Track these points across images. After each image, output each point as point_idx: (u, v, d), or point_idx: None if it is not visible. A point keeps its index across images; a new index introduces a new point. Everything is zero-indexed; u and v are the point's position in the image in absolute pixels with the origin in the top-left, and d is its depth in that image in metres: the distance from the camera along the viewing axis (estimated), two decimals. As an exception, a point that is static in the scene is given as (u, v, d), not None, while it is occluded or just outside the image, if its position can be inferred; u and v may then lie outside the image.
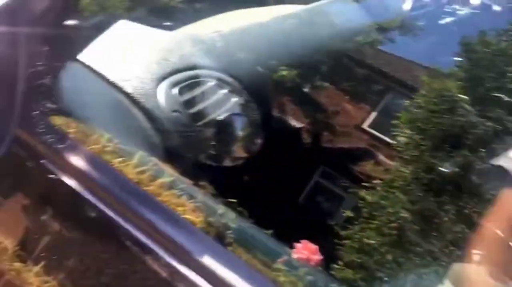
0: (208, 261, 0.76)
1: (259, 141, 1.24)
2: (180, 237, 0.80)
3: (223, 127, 1.18)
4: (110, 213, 0.80)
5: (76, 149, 0.86)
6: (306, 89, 1.87)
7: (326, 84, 1.90)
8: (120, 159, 0.89)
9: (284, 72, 1.54)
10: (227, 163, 1.20)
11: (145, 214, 0.80)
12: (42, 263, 0.86)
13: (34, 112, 0.86)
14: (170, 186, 0.88)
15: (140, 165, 0.89)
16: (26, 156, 0.86)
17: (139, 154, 0.93)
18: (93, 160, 0.85)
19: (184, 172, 1.01)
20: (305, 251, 0.91)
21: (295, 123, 1.90)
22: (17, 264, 0.87)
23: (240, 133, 1.19)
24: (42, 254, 0.87)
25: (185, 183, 0.93)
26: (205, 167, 1.17)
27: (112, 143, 0.92)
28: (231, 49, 1.37)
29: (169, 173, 0.94)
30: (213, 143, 1.17)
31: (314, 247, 0.93)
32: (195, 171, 1.15)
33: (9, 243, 0.89)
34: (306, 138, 1.90)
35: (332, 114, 1.98)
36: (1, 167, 0.85)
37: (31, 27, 0.78)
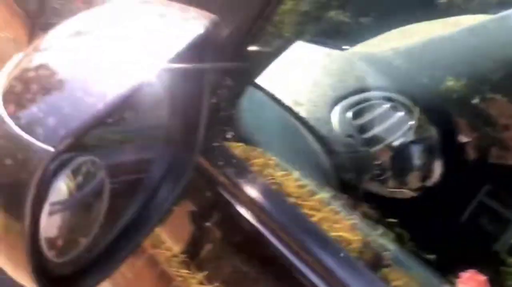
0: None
1: (438, 169, 1.16)
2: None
3: (399, 155, 1.12)
4: (284, 251, 0.79)
5: (255, 181, 0.86)
6: (475, 101, 1.70)
7: (498, 96, 1.72)
8: (282, 172, 0.88)
9: (451, 83, 1.41)
10: (399, 194, 1.14)
11: (317, 253, 0.78)
12: (206, 272, 0.87)
13: (215, 143, 0.88)
14: (329, 202, 0.85)
15: (300, 179, 0.87)
16: (205, 185, 0.89)
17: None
18: (270, 193, 0.85)
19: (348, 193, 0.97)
20: (472, 283, 0.81)
21: (460, 137, 1.72)
22: (184, 271, 0.89)
23: (417, 162, 1.12)
24: (204, 263, 0.89)
25: (344, 200, 0.89)
26: (374, 196, 1.13)
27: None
28: (408, 68, 1.29)
29: (328, 189, 0.91)
30: (386, 172, 1.12)
31: (482, 278, 0.82)
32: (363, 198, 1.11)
33: (178, 249, 0.92)
34: (472, 153, 1.72)
35: (502, 128, 1.78)
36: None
37: (216, 61, 0.80)
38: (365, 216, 0.90)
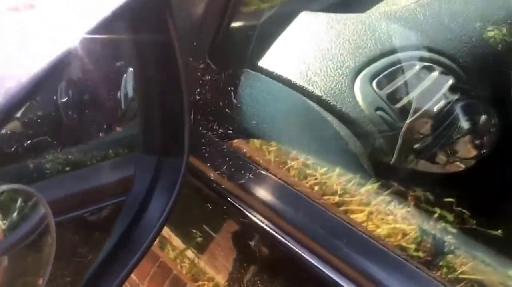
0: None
1: (492, 131, 0.96)
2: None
3: (442, 120, 0.93)
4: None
5: (262, 180, 0.70)
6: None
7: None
8: (323, 170, 0.75)
9: (491, 33, 1.19)
10: (453, 167, 0.95)
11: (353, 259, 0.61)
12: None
13: (208, 140, 0.72)
14: (378, 193, 0.73)
15: (343, 174, 0.76)
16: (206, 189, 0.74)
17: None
18: (286, 191, 0.68)
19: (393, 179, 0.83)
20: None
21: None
22: None
23: (466, 125, 0.93)
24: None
25: (392, 187, 0.77)
26: (423, 176, 0.94)
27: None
28: (437, 19, 1.10)
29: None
30: (431, 145, 0.93)
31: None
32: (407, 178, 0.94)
33: (221, 279, 0.80)
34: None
35: None
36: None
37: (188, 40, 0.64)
38: (418, 200, 0.78)
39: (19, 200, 0.48)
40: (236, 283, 0.77)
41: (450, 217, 0.74)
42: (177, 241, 0.85)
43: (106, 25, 0.45)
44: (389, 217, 0.70)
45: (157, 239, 0.88)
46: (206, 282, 0.82)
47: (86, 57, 0.45)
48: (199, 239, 0.81)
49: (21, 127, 0.82)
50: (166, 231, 0.87)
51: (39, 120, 0.87)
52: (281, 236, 0.67)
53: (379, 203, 0.71)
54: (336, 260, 0.63)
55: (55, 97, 0.92)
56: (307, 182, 0.73)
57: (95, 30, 0.43)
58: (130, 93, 0.90)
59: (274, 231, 0.68)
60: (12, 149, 0.82)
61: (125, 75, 0.91)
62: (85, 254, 0.72)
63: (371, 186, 0.74)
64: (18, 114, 0.77)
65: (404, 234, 0.66)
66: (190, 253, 0.84)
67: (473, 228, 0.76)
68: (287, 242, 0.67)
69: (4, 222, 0.47)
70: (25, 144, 0.84)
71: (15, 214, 0.48)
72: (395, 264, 0.60)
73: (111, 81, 0.92)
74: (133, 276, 0.95)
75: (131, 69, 0.90)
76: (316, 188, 0.72)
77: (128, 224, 0.62)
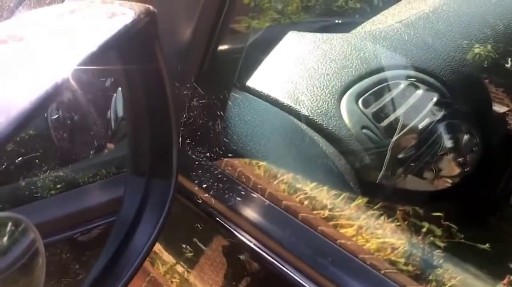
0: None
1: (474, 150, 0.98)
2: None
3: (427, 139, 0.95)
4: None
5: (251, 201, 0.71)
6: (508, 65, 1.49)
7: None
8: (313, 184, 0.76)
9: (477, 50, 1.22)
10: (438, 184, 0.96)
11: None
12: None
13: (197, 162, 0.73)
14: (367, 207, 0.74)
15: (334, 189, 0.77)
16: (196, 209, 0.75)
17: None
18: (273, 211, 0.70)
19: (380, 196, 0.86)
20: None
21: (498, 108, 1.50)
22: None
23: (449, 144, 0.95)
24: None
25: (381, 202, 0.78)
26: (406, 190, 0.96)
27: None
28: (421, 38, 1.12)
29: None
30: (415, 161, 0.95)
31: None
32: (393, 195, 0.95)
33: None
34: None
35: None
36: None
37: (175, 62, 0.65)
38: (406, 215, 0.79)
39: (9, 225, 0.49)
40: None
41: (438, 231, 0.75)
42: (167, 256, 0.86)
43: (96, 56, 0.46)
44: (378, 231, 0.70)
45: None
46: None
47: (77, 85, 0.46)
48: (189, 254, 0.82)
49: (11, 144, 0.83)
50: (156, 246, 0.88)
51: (28, 138, 0.88)
52: (269, 255, 0.68)
53: (368, 217, 0.72)
54: (321, 279, 0.64)
55: (45, 115, 0.94)
56: (297, 196, 0.74)
57: (86, 61, 0.45)
58: (120, 113, 0.92)
59: (262, 250, 0.69)
60: (2, 167, 0.83)
61: (115, 94, 0.92)
62: (75, 273, 0.73)
63: (360, 200, 0.75)
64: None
65: (393, 248, 0.67)
66: (180, 268, 0.85)
67: (461, 242, 0.78)
68: (274, 261, 0.68)
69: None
70: (16, 161, 0.85)
71: (5, 239, 0.49)
72: (381, 282, 0.62)
73: (101, 101, 0.93)
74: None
75: (120, 89, 0.91)
76: (305, 202, 0.73)
77: (118, 245, 0.63)
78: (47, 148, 0.91)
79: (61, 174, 0.80)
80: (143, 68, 0.59)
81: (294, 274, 0.66)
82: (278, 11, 1.54)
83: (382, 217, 0.73)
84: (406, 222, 0.76)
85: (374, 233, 0.70)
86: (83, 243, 0.72)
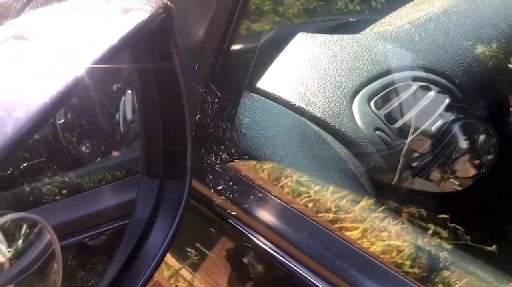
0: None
1: (491, 151, 0.96)
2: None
3: (441, 140, 0.94)
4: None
5: (265, 203, 0.70)
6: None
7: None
8: (317, 187, 0.74)
9: (489, 50, 1.21)
10: (450, 186, 0.95)
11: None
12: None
13: (210, 164, 0.72)
14: (372, 209, 0.72)
15: (338, 191, 0.75)
16: (208, 212, 0.73)
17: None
18: (288, 213, 0.68)
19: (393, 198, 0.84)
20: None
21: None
22: None
23: (465, 145, 0.93)
24: None
25: (387, 204, 0.76)
26: (418, 192, 0.94)
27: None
28: (432, 40, 1.11)
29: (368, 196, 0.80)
30: (429, 163, 0.93)
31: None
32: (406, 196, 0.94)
33: None
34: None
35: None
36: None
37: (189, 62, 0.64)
38: (412, 217, 0.78)
39: (24, 227, 0.47)
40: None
41: (445, 233, 0.74)
42: (172, 261, 0.84)
43: (110, 54, 0.44)
44: (384, 234, 0.69)
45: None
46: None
47: (90, 85, 0.45)
48: (194, 259, 0.80)
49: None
50: None
51: (33, 142, 0.86)
52: (285, 258, 0.67)
53: (373, 219, 0.70)
54: (341, 282, 0.63)
55: (52, 120, 0.92)
56: (301, 199, 0.72)
57: (100, 60, 0.43)
58: (129, 116, 0.90)
59: (278, 253, 0.68)
60: (8, 172, 0.82)
61: (123, 97, 0.91)
62: (87, 279, 0.71)
63: (365, 203, 0.73)
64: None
65: (399, 251, 0.65)
66: (185, 272, 0.83)
67: (467, 244, 0.76)
68: (290, 264, 0.66)
69: (10, 250, 0.46)
70: (22, 166, 0.83)
71: (20, 242, 0.47)
72: (402, 285, 0.60)
73: (109, 104, 0.91)
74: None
75: (129, 91, 0.89)
76: (310, 205, 0.71)
77: (132, 248, 0.62)
78: (55, 151, 0.90)
79: (69, 177, 0.78)
80: (157, 66, 0.57)
81: (311, 277, 0.64)
82: (279, 13, 1.53)
83: (387, 219, 0.70)
84: (411, 224, 0.74)
85: (379, 235, 0.68)
86: (95, 247, 0.70)
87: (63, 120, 0.92)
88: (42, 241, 0.49)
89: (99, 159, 0.89)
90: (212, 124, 0.73)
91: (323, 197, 0.72)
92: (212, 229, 0.74)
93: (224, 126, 0.74)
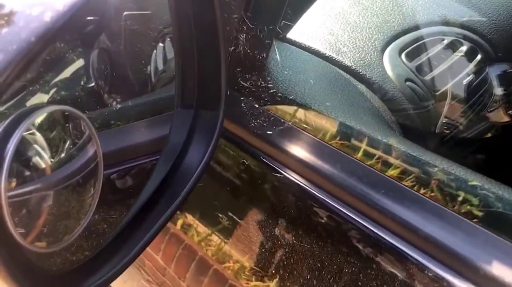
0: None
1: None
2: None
3: (472, 91, 0.92)
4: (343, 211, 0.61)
5: (299, 138, 0.69)
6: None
7: None
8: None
9: None
10: (482, 133, 0.93)
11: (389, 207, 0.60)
12: (277, 279, 0.73)
13: (240, 100, 0.72)
14: (400, 178, 0.68)
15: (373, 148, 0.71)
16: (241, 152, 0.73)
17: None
18: (322, 148, 0.68)
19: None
20: None
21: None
22: (254, 283, 0.78)
23: (498, 92, 0.92)
24: (276, 270, 0.75)
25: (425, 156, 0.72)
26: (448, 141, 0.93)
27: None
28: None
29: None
30: (464, 112, 0.92)
31: None
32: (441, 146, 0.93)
33: (246, 261, 0.79)
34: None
35: None
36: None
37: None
38: (441, 184, 0.74)
39: (69, 124, 0.47)
40: (263, 265, 0.76)
41: (475, 201, 0.70)
42: (202, 228, 0.84)
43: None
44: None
45: (181, 225, 0.88)
46: (232, 264, 0.81)
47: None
48: (225, 224, 0.80)
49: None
50: (190, 218, 0.86)
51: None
52: (319, 193, 0.66)
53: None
54: (376, 213, 0.62)
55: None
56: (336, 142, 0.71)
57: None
58: (160, 67, 0.91)
59: (310, 187, 0.67)
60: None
61: (154, 51, 0.91)
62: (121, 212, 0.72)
63: (393, 171, 0.69)
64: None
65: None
66: (215, 237, 0.83)
67: (498, 211, 0.74)
68: (323, 197, 0.66)
69: (51, 159, 0.46)
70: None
71: (62, 135, 0.47)
72: (438, 212, 0.59)
73: (142, 55, 0.92)
74: (159, 259, 0.95)
75: (161, 44, 0.90)
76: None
77: (166, 173, 0.62)
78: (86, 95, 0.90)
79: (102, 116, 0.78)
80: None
81: (345, 208, 0.64)
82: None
83: (416, 187, 0.67)
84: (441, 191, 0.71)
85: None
86: (126, 181, 0.70)
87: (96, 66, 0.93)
88: (85, 155, 0.49)
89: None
90: (246, 59, 0.72)
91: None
92: (243, 171, 0.74)
93: (257, 64, 0.74)
